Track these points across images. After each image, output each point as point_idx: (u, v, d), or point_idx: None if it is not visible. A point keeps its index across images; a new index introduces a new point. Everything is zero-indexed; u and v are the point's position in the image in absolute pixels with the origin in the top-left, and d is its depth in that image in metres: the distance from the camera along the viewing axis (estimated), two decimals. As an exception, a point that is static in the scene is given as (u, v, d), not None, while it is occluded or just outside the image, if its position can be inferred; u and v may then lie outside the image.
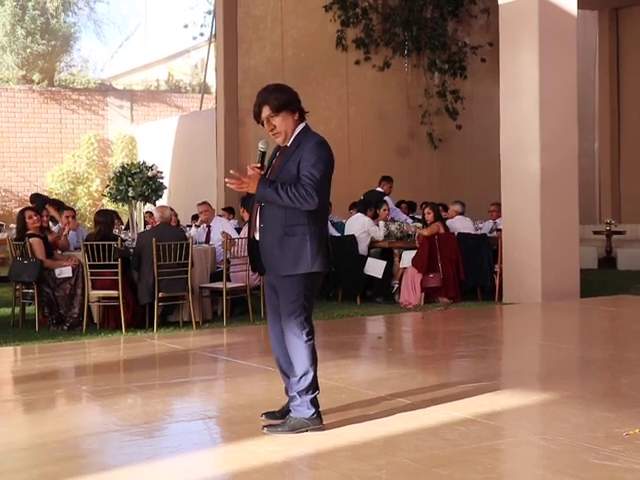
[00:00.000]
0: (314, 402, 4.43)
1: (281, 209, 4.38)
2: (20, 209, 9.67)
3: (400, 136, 16.58)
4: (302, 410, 4.41)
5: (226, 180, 4.44)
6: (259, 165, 4.46)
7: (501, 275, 10.43)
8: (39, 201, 11.27)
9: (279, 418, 4.62)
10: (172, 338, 8.06)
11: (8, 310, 9.45)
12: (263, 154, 4.51)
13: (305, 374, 4.40)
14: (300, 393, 4.41)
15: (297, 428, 4.40)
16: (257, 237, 4.52)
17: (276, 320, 4.60)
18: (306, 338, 4.41)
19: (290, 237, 4.39)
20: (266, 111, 4.47)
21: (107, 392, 5.73)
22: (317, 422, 4.43)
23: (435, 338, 8.39)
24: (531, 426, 4.74)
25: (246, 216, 10.03)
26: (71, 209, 11.16)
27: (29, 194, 13.26)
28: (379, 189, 12.51)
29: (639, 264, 14.34)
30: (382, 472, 3.83)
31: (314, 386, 4.43)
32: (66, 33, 24.03)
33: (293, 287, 4.41)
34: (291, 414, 4.45)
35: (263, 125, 4.54)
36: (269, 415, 4.69)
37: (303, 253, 4.39)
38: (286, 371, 4.62)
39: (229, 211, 12.78)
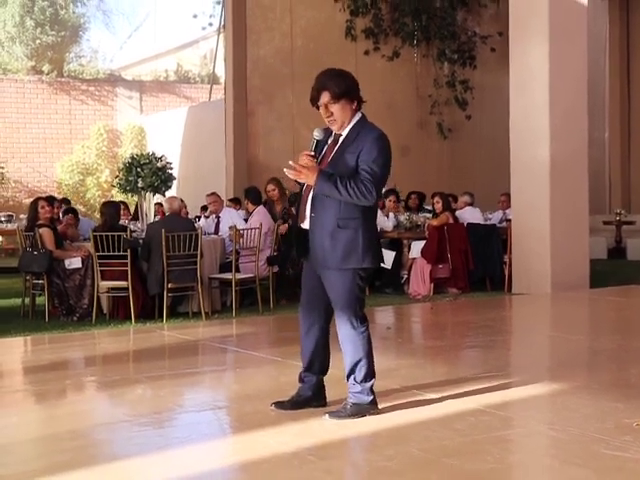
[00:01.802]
0: (372, 389, 4.52)
1: (336, 201, 4.33)
2: (32, 199, 9.66)
3: (409, 126, 16.52)
4: (361, 397, 4.49)
5: (285, 170, 4.37)
6: (312, 153, 4.40)
7: (510, 265, 10.39)
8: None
9: (289, 408, 4.64)
10: (181, 329, 8.07)
11: (18, 301, 9.48)
12: (317, 142, 4.44)
13: (359, 362, 4.45)
14: (360, 381, 4.47)
15: (357, 413, 4.47)
16: (304, 226, 4.47)
17: (312, 311, 4.56)
18: (362, 328, 4.48)
19: (343, 230, 4.36)
20: (325, 97, 4.39)
21: (117, 383, 5.74)
22: (374, 407, 4.54)
23: (444, 329, 8.38)
24: (540, 416, 4.73)
25: (250, 207, 10.01)
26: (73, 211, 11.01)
27: (39, 185, 13.27)
28: None
29: (649, 254, 14.30)
30: (392, 462, 3.83)
31: (372, 374, 4.51)
32: (75, 24, 24.08)
33: (345, 280, 4.41)
34: (350, 400, 4.51)
35: (318, 109, 4.47)
36: (278, 405, 4.70)
37: (355, 247, 4.37)
38: (310, 363, 4.61)
39: (235, 202, 12.74)
